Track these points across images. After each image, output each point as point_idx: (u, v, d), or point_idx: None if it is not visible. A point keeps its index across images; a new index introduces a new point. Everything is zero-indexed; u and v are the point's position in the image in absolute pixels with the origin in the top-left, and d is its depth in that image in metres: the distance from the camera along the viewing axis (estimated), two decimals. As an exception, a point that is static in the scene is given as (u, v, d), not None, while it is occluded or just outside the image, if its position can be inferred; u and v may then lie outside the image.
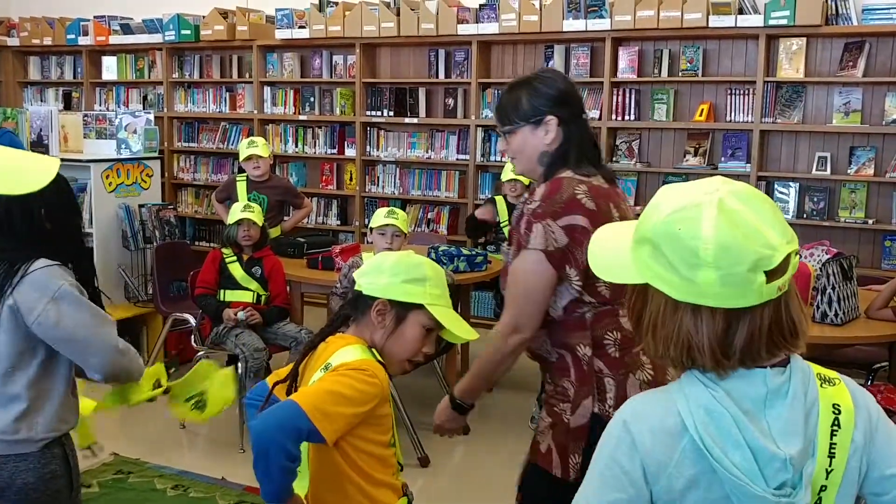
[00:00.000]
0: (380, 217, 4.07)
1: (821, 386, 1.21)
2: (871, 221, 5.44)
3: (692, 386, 1.18)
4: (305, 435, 1.70)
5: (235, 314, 4.22)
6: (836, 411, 1.20)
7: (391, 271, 1.90)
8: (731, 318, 1.13)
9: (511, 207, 5.10)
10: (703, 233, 1.10)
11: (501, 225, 5.11)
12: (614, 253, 1.25)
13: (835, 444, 1.19)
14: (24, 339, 2.00)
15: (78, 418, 2.18)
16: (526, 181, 5.04)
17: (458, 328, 1.93)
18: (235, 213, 4.39)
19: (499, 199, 5.22)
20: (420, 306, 1.89)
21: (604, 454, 1.21)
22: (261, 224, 4.38)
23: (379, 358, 1.86)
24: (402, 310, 1.89)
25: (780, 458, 1.12)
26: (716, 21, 5.49)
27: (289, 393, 1.90)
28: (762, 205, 1.14)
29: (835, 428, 1.19)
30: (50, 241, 2.05)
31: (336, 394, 1.73)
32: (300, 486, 1.89)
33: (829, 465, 1.18)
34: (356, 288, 1.94)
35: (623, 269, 1.21)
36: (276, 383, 1.94)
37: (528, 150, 2.16)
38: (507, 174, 5.12)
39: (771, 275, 1.11)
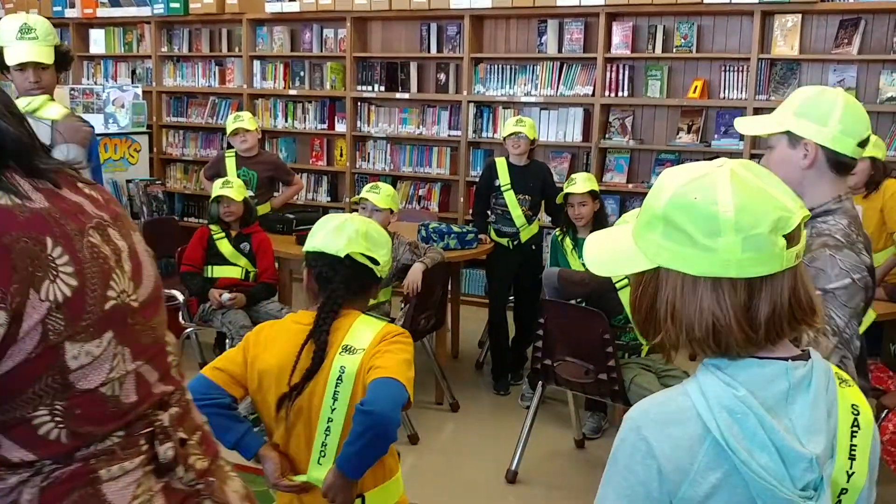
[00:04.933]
0: (363, 192, 4.09)
1: (839, 385, 1.18)
2: (863, 200, 5.42)
3: (710, 385, 1.12)
4: (403, 405, 1.85)
5: (220, 295, 4.19)
6: (856, 412, 1.17)
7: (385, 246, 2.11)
8: (753, 289, 1.09)
9: (513, 168, 4.70)
10: (720, 197, 1.08)
11: (502, 188, 4.68)
12: (612, 247, 1.21)
13: (855, 445, 1.15)
14: None
15: None
16: (532, 136, 4.63)
17: None
18: (215, 189, 4.37)
19: (500, 160, 4.76)
20: None
21: (618, 465, 1.14)
22: (240, 199, 4.33)
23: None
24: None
25: (806, 457, 1.08)
26: (710, -4, 5.43)
27: (295, 388, 1.90)
28: (769, 175, 1.14)
29: (854, 429, 1.16)
30: None
31: (408, 361, 1.92)
32: (321, 471, 1.92)
33: (850, 468, 1.15)
34: (382, 271, 2.07)
35: (627, 260, 1.17)
36: (292, 389, 1.91)
37: None
38: (510, 128, 4.63)
39: (789, 240, 1.09)
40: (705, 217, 1.08)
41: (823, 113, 1.91)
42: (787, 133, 1.94)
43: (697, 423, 1.10)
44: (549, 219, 5.09)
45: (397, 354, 1.88)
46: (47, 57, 3.10)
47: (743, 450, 1.07)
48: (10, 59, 3.06)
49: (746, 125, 2.12)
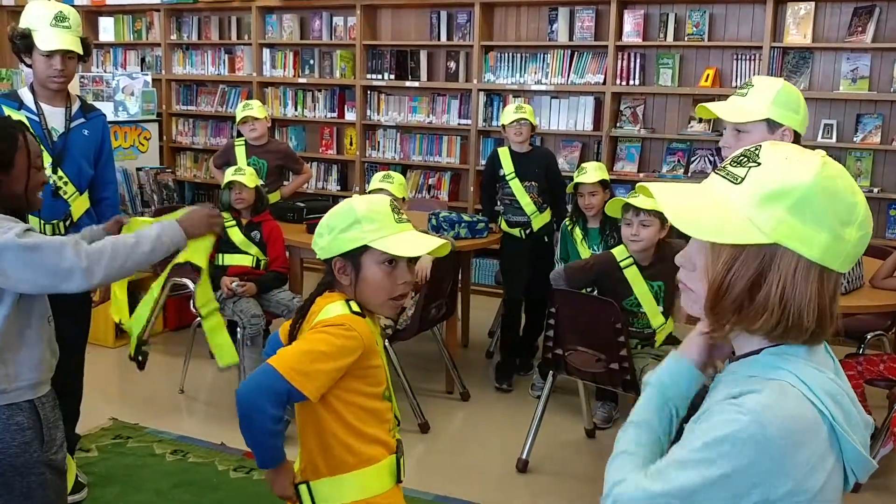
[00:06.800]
0: (375, 181, 4.09)
1: None
2: (876, 190, 5.39)
3: (809, 373, 1.10)
4: (286, 396, 1.76)
5: (231, 283, 4.19)
6: None
7: (327, 229, 1.92)
8: (835, 289, 1.13)
9: (515, 155, 4.65)
10: (858, 191, 1.11)
11: (507, 178, 4.62)
12: (701, 208, 1.12)
13: None
14: None
15: (50, 381, 2.15)
16: (533, 121, 4.59)
17: (409, 249, 1.89)
18: (227, 176, 4.37)
19: (502, 150, 4.71)
20: (365, 248, 1.88)
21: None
22: (252, 186, 4.33)
23: (357, 310, 1.88)
24: (354, 257, 1.90)
25: (871, 423, 1.15)
26: (723, -16, 5.39)
27: None
28: None
29: None
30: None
31: (312, 351, 1.78)
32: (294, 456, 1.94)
33: None
34: (318, 257, 1.99)
35: (731, 228, 1.09)
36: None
37: None
38: (511, 116, 4.55)
39: None
40: (845, 205, 1.09)
41: (794, 102, 2.22)
42: (768, 120, 2.20)
43: (815, 411, 1.09)
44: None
45: (305, 344, 1.81)
46: (78, 47, 3.13)
47: (849, 429, 1.10)
48: (43, 45, 3.06)
49: (726, 111, 2.29)
